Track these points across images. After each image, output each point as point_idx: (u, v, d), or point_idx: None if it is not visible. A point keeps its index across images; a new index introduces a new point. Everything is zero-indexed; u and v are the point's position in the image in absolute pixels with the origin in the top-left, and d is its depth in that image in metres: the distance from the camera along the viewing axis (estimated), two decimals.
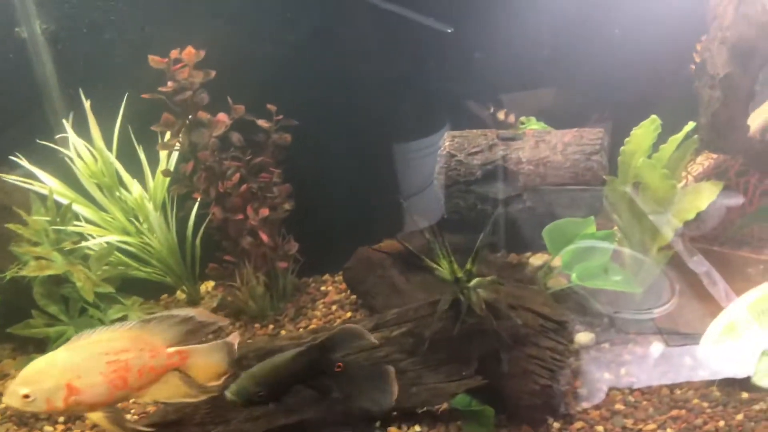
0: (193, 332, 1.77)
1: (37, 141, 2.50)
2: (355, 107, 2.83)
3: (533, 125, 2.43)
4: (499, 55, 2.74)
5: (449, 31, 2.68)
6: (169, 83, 2.33)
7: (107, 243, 2.46)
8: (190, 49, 2.33)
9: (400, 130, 3.02)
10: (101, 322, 2.41)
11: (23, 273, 2.25)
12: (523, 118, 2.50)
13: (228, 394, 1.72)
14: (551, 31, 2.68)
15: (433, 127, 3.02)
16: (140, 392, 1.74)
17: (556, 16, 2.65)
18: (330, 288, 2.94)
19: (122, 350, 1.67)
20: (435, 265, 2.01)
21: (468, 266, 1.96)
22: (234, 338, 1.85)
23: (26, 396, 1.60)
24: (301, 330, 2.64)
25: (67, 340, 2.35)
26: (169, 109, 2.40)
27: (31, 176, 2.49)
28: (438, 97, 2.98)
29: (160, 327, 1.73)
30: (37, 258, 2.28)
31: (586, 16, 2.67)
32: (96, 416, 1.74)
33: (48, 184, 2.47)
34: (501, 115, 2.52)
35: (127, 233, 2.56)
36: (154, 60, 2.31)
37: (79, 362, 1.64)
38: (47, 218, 2.35)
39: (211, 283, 2.88)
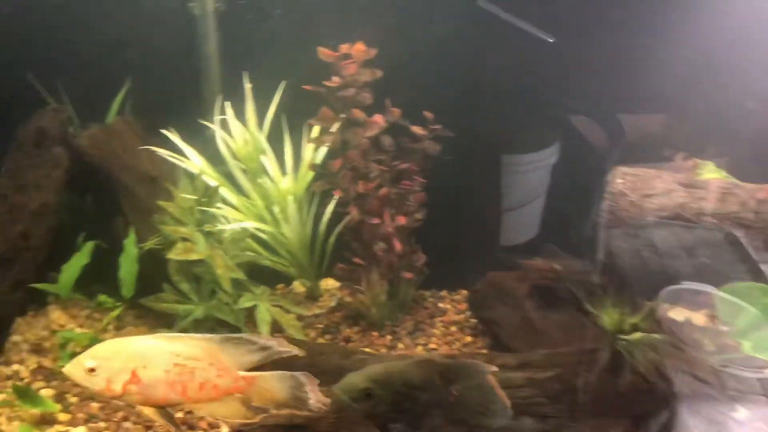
0: (268, 359, 1.70)
1: (196, 120, 2.51)
2: (479, 117, 2.73)
3: (712, 173, 2.24)
4: (614, 72, 2.61)
5: (551, 40, 2.58)
6: (335, 78, 2.28)
7: (242, 228, 2.45)
8: (360, 46, 2.27)
9: (523, 142, 2.93)
10: (229, 308, 2.40)
11: (171, 256, 2.25)
12: (699, 161, 2.31)
13: (335, 389, 1.68)
14: (671, 53, 2.51)
15: (542, 142, 2.95)
16: (195, 405, 1.70)
17: (681, 39, 2.48)
18: (448, 306, 2.83)
19: (193, 357, 1.63)
20: (595, 311, 1.87)
21: (636, 320, 1.81)
22: (306, 377, 1.73)
23: (91, 369, 1.56)
24: (419, 348, 2.55)
25: (195, 320, 2.41)
26: (328, 104, 2.35)
27: (179, 151, 2.50)
28: (549, 110, 2.86)
29: (236, 349, 1.67)
30: (183, 239, 2.28)
31: (719, 41, 2.47)
32: (148, 410, 1.69)
33: (195, 162, 2.48)
34: (679, 159, 2.34)
35: (263, 221, 2.54)
36: (324, 53, 2.26)
37: (150, 353, 1.61)
38: (194, 197, 2.35)
39: (330, 281, 2.83)
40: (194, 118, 2.55)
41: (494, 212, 2.99)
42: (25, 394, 2.12)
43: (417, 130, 2.43)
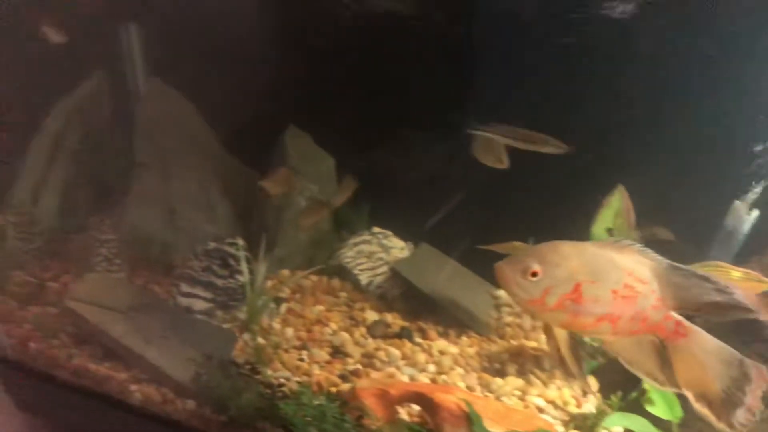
0: (719, 309, 1.32)
1: None
2: None
3: None
4: None
5: None
6: None
7: None
8: None
9: None
10: None
11: None
12: None
13: None
14: None
15: None
16: (610, 335, 1.39)
17: None
18: None
19: (642, 279, 1.34)
20: None
21: None
22: (758, 371, 1.31)
23: (533, 273, 1.34)
24: None
25: None
26: None
27: None
28: None
29: (683, 281, 1.33)
30: None
31: None
32: (561, 334, 1.51)
33: None
34: None
35: None
36: None
37: (602, 266, 1.34)
38: None
39: None
40: None
41: None
42: None
43: None
